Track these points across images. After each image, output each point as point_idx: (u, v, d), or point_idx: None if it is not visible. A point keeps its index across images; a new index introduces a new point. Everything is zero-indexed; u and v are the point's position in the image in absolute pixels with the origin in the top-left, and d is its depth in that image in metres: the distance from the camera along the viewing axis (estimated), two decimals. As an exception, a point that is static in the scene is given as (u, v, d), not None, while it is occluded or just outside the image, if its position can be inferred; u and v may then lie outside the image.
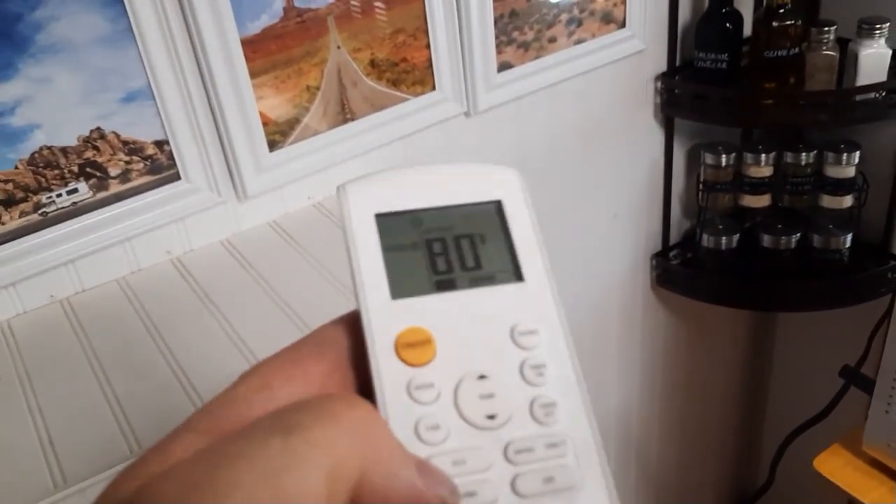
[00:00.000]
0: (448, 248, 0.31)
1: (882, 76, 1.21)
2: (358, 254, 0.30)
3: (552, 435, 0.28)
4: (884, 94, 1.22)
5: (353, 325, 0.30)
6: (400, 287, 0.30)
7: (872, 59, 1.21)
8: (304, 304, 0.83)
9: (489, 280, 0.31)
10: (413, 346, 0.29)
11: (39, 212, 0.84)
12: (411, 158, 1.08)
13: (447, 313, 0.30)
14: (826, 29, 1.21)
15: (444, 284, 0.30)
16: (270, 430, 0.24)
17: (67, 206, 0.85)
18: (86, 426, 0.72)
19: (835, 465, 1.08)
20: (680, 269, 1.50)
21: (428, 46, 1.01)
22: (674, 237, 1.52)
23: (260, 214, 0.98)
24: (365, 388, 0.29)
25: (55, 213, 0.85)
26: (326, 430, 0.24)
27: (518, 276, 0.31)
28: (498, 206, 0.32)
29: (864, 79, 1.21)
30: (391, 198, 0.31)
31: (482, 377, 0.29)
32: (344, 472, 0.23)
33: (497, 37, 1.06)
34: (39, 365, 0.79)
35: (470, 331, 0.29)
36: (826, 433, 1.29)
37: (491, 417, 0.28)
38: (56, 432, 0.71)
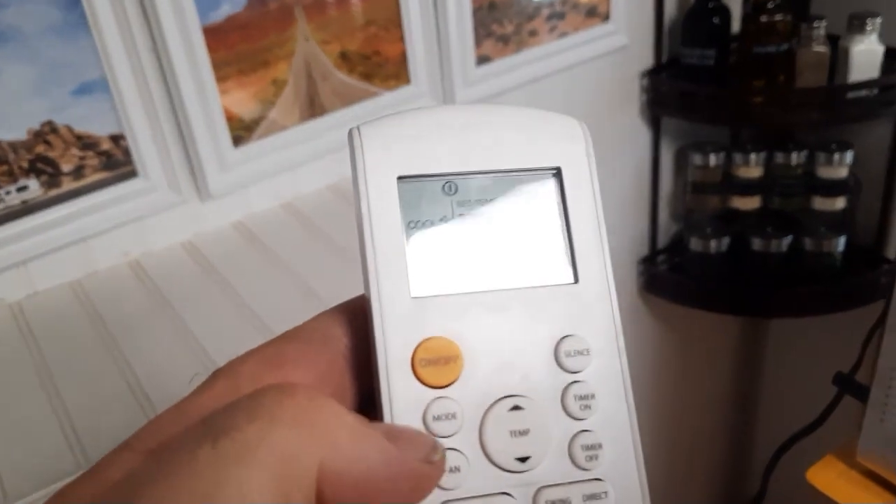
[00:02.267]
0: (488, 228, 0.25)
1: (874, 73, 1.18)
2: (372, 229, 0.24)
3: (593, 484, 0.24)
4: (876, 91, 1.18)
5: (356, 316, 0.24)
6: (424, 280, 0.24)
7: (864, 56, 1.17)
8: (269, 310, 0.78)
9: (536, 277, 0.24)
10: (435, 364, 0.23)
11: (-15, 210, 0.79)
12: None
13: (480, 320, 0.24)
14: (816, 24, 1.17)
15: (480, 278, 0.24)
16: (197, 438, 0.19)
17: (16, 205, 0.80)
18: (31, 438, 0.67)
19: (828, 477, 1.04)
20: (668, 274, 1.46)
21: (402, 39, 0.97)
22: (661, 241, 1.48)
23: (223, 214, 0.93)
24: (365, 402, 0.24)
25: (3, 211, 0.80)
26: (263, 426, 0.19)
27: (573, 274, 0.25)
28: (556, 175, 0.26)
29: (855, 75, 1.18)
30: (420, 153, 0.25)
31: (516, 408, 0.23)
32: (296, 469, 0.19)
33: (475, 29, 1.02)
34: (-17, 372, 0.74)
35: (506, 344, 0.24)
36: (820, 443, 1.25)
37: (522, 460, 0.23)
38: (-7, 444, 0.66)
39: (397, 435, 0.21)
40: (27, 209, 0.81)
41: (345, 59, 0.94)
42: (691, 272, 1.43)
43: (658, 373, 1.66)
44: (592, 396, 0.24)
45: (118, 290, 0.85)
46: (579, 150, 0.26)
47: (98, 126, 0.82)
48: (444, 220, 0.25)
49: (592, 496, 0.23)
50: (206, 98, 0.85)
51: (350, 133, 0.25)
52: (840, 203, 1.32)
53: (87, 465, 0.64)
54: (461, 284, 0.24)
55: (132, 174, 0.85)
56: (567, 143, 0.26)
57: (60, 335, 0.79)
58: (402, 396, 0.23)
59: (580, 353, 0.24)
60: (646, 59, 1.28)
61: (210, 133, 0.87)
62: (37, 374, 0.74)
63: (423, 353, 0.23)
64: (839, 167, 1.29)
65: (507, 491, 0.23)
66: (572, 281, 0.25)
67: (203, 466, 0.18)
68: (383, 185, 0.24)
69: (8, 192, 0.80)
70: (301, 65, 0.92)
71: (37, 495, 0.62)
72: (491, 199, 0.25)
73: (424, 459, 0.21)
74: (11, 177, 0.79)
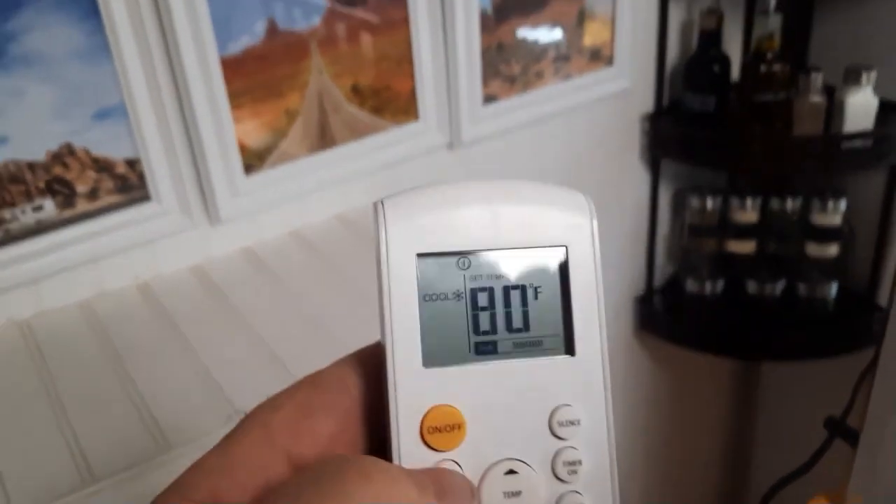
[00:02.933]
0: (495, 302, 0.27)
1: (869, 124, 1.21)
2: (391, 302, 0.26)
3: None
4: (870, 142, 1.21)
5: (370, 364, 0.27)
6: (434, 352, 0.26)
7: (859, 107, 1.20)
8: (275, 336, 0.80)
9: (535, 349, 0.27)
10: (441, 431, 0.26)
11: (1, 227, 0.80)
12: (394, 189, 1.05)
13: (483, 389, 0.26)
14: (813, 75, 1.20)
15: (485, 348, 0.27)
16: None
17: (31, 224, 0.82)
18: (37, 456, 0.68)
19: (819, 519, 1.04)
20: (663, 314, 1.48)
21: (413, 75, 0.99)
22: (657, 281, 1.50)
23: (233, 241, 0.95)
24: (376, 443, 0.26)
25: (18, 230, 0.81)
26: None
27: (569, 348, 0.27)
28: (563, 253, 0.27)
29: (850, 126, 1.21)
30: (438, 232, 0.27)
31: (511, 472, 0.26)
32: None
33: (483, 69, 1.05)
34: (-9, 388, 0.75)
35: (505, 413, 0.26)
36: (810, 486, 1.26)
37: None
38: (4, 462, 0.67)
39: (446, 489, 0.24)
40: (41, 228, 0.82)
41: (356, 93, 0.97)
42: (686, 313, 1.44)
43: (651, 410, 1.67)
44: (579, 462, 0.26)
45: (127, 311, 0.86)
46: (585, 228, 0.28)
47: (115, 150, 0.84)
48: (456, 295, 0.27)
49: None
50: (220, 126, 0.87)
51: (375, 207, 0.27)
52: (833, 250, 1.34)
53: (91, 483, 0.64)
54: (466, 353, 0.27)
55: (145, 198, 0.87)
56: (574, 220, 0.28)
57: (68, 354, 0.80)
58: (412, 458, 0.25)
59: (572, 422, 0.26)
60: (647, 102, 1.31)
61: (223, 160, 0.89)
62: (44, 392, 0.74)
63: (431, 420, 0.26)
64: (833, 214, 1.32)
65: None
66: (570, 355, 0.27)
67: None
68: (403, 260, 0.26)
69: (23, 211, 0.81)
70: (314, 96, 0.94)
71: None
72: (501, 275, 0.27)
73: None
74: (28, 196, 0.81)
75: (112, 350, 0.79)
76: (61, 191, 0.83)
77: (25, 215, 0.81)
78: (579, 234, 0.27)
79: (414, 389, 0.26)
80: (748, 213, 1.35)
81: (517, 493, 0.26)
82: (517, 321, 0.27)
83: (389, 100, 0.99)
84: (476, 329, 0.27)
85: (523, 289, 0.27)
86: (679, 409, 1.72)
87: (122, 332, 0.82)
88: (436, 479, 0.24)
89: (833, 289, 1.36)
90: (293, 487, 0.23)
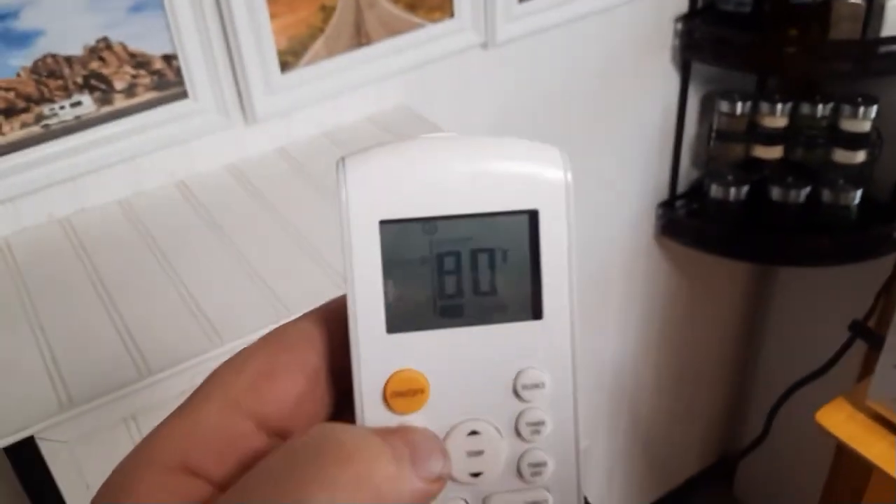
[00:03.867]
0: (461, 266, 0.26)
1: (908, 28, 1.18)
2: (353, 269, 0.25)
3: (534, 496, 0.27)
4: (909, 46, 1.19)
5: (335, 320, 0.26)
6: (398, 317, 0.26)
7: (899, 10, 1.17)
8: (313, 233, 0.80)
9: (501, 313, 0.26)
10: (403, 395, 0.26)
11: (41, 124, 0.80)
12: (427, 90, 1.04)
13: (446, 354, 0.26)
14: (854, -24, 1.17)
15: (450, 311, 0.26)
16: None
17: (70, 120, 0.81)
18: (91, 347, 0.69)
19: (837, 419, 1.07)
20: (685, 219, 1.48)
21: (449, -30, 0.97)
22: (681, 187, 1.50)
23: (267, 140, 0.94)
24: (344, 398, 0.26)
25: (58, 125, 0.81)
26: (330, 496, 0.22)
27: (536, 311, 0.26)
28: (532, 217, 0.26)
29: (889, 30, 1.18)
30: (403, 197, 0.26)
31: (473, 433, 0.26)
32: None
33: (520, -35, 1.02)
34: (40, 284, 0.77)
35: (469, 377, 0.26)
36: (816, 391, 1.29)
37: (475, 475, 0.26)
38: (60, 353, 0.68)
39: (420, 454, 0.24)
40: (80, 125, 0.82)
41: (392, -11, 0.94)
42: (709, 218, 1.45)
43: (666, 314, 1.69)
44: (542, 423, 0.26)
45: (166, 208, 0.86)
46: (558, 186, 0.26)
47: (152, 45, 0.83)
48: (422, 259, 0.26)
49: (534, 503, 0.27)
50: (257, 21, 0.86)
51: (336, 165, 0.26)
52: (860, 157, 1.33)
53: (148, 375, 0.66)
54: (431, 318, 0.26)
55: (183, 95, 0.86)
56: (546, 178, 0.26)
57: (112, 250, 0.81)
58: (375, 421, 0.26)
59: (536, 385, 0.26)
60: (681, 2, 1.28)
61: (259, 57, 0.87)
62: (92, 287, 0.76)
63: (394, 384, 0.26)
64: (863, 121, 1.30)
65: (464, 497, 0.26)
66: (537, 318, 0.26)
67: None
68: (366, 227, 0.25)
69: (62, 107, 0.81)
70: (350, -8, 0.92)
71: (100, 401, 0.65)
72: (468, 237, 0.26)
73: (436, 478, 0.25)
74: (66, 91, 0.80)
75: (155, 246, 0.80)
76: (99, 86, 0.82)
77: (64, 111, 0.81)
78: (551, 193, 0.26)
79: (377, 356, 0.26)
80: (777, 118, 1.34)
81: (479, 453, 0.26)
82: (484, 284, 0.26)
83: (425, -4, 0.97)
84: (441, 293, 0.26)
85: (491, 252, 0.26)
86: (694, 313, 1.74)
87: (164, 228, 0.83)
88: (409, 441, 0.24)
89: (857, 196, 1.36)
90: (270, 473, 0.22)
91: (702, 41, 1.29)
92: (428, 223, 0.26)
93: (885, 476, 1.02)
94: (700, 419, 1.99)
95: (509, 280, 0.26)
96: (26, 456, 0.65)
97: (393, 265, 0.26)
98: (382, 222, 0.25)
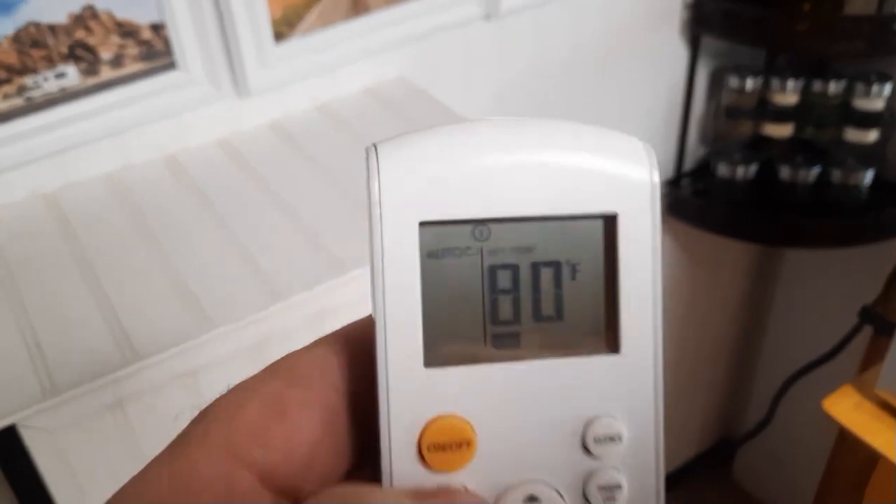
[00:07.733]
0: (519, 283, 0.21)
1: (926, 3, 1.14)
2: (385, 282, 0.20)
3: None
4: (926, 22, 1.15)
5: (357, 347, 0.21)
6: (440, 347, 0.21)
7: (917, -16, 1.13)
8: (308, 211, 0.77)
9: (568, 345, 0.21)
10: (444, 449, 0.20)
11: (24, 96, 0.76)
12: (427, 63, 1.00)
13: (499, 397, 0.21)
14: (871, -52, 1.13)
15: (504, 341, 0.21)
16: None
17: (55, 92, 0.78)
18: (75, 330, 0.66)
19: (844, 407, 1.05)
20: (691, 198, 1.45)
21: (452, -62, 0.93)
22: (688, 165, 1.46)
23: (260, 113, 0.91)
24: (365, 450, 0.21)
25: (41, 97, 0.77)
26: None
27: (612, 343, 0.21)
28: (609, 222, 0.21)
29: (906, 5, 1.14)
30: (448, 193, 0.20)
31: (531, 499, 0.21)
32: None
33: (526, -67, 0.98)
34: (23, 263, 0.73)
35: (526, 426, 0.21)
36: (820, 378, 1.27)
37: None
38: (43, 336, 0.65)
39: None
40: (64, 97, 0.78)
41: (392, -43, 0.90)
42: (716, 197, 1.41)
43: (673, 295, 1.67)
44: (619, 488, 0.21)
45: (154, 184, 0.83)
46: (643, 187, 0.22)
47: (139, 13, 0.79)
48: (470, 274, 0.21)
49: None
50: (249, -11, 0.82)
51: (367, 152, 0.21)
52: (872, 136, 1.30)
53: (133, 358, 0.63)
54: (480, 348, 0.21)
55: (171, 66, 0.82)
56: (628, 177, 0.21)
57: (97, 227, 0.78)
58: (407, 480, 0.20)
59: (611, 438, 0.21)
60: (691, -26, 1.24)
61: (252, 26, 0.84)
62: (76, 265, 0.73)
63: (432, 435, 0.20)
64: (876, 99, 1.27)
65: None
66: (613, 352, 0.22)
67: None
68: (402, 230, 0.20)
69: (46, 79, 0.77)
70: (347, -40, 0.88)
71: (85, 388, 0.62)
72: (527, 249, 0.21)
73: None
74: (50, 62, 0.77)
75: (143, 223, 0.77)
76: (84, 57, 0.78)
77: (48, 83, 0.77)
78: (634, 194, 0.21)
79: (411, 396, 0.20)
80: (788, 95, 1.30)
81: None
82: (547, 308, 0.21)
83: (426, -35, 0.93)
84: (494, 318, 0.21)
85: (557, 266, 0.21)
86: (699, 295, 1.71)
87: (152, 204, 0.80)
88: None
89: (868, 176, 1.33)
90: None
91: (711, 14, 1.25)
92: (479, 226, 0.21)
93: (890, 466, 1.00)
94: (701, 402, 1.97)
95: (579, 302, 0.22)
96: (8, 445, 0.62)
97: (434, 280, 0.21)
98: (423, 224, 0.20)
